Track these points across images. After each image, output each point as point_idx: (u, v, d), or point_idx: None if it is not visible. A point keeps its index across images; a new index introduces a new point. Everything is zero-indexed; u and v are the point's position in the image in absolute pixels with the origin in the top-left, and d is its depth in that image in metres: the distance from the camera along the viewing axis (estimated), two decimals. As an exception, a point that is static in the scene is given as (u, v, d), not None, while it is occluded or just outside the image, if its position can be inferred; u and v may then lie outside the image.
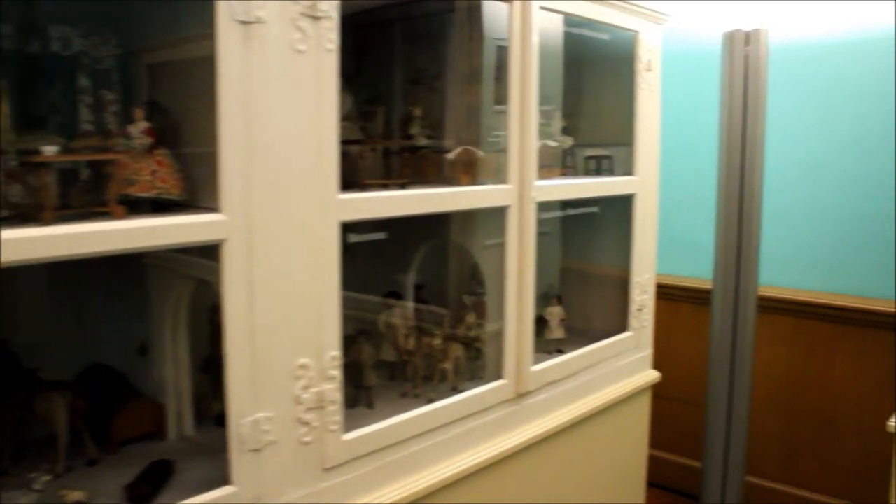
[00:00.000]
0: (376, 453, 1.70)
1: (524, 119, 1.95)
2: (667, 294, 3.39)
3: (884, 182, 2.95)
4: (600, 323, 2.58)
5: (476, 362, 2.11)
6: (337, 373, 1.57)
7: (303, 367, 1.50)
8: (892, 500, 2.17)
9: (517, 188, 1.96)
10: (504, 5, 1.92)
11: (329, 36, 1.48)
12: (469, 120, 2.10)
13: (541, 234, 2.70)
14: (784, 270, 3.19)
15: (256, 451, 1.44)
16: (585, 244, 2.67)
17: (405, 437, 1.77)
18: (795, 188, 3.15)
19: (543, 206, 2.42)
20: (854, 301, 3.01)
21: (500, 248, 2.00)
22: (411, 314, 2.17)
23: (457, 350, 2.01)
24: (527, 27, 1.92)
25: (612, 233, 2.56)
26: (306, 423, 1.52)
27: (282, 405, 1.48)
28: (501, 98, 2.35)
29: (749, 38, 2.63)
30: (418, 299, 2.26)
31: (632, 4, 2.31)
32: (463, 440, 1.91)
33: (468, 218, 2.05)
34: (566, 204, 2.58)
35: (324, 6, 1.46)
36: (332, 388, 1.56)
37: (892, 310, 2.89)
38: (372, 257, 2.37)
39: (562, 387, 2.23)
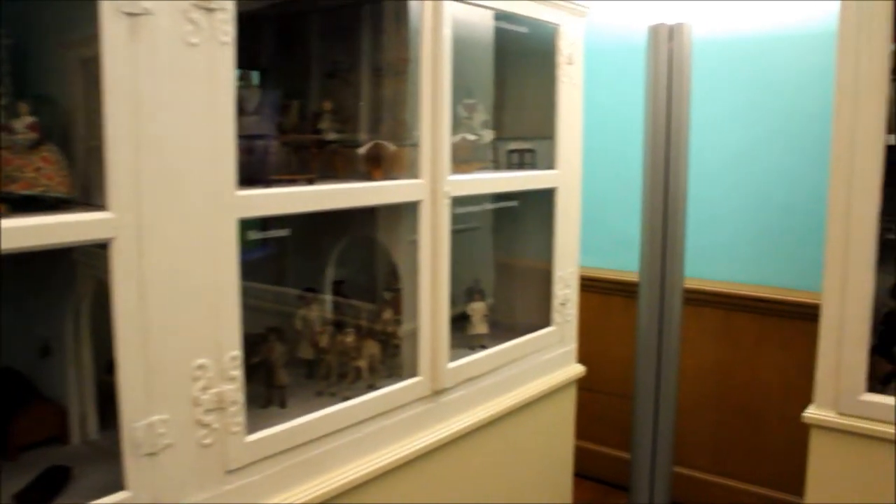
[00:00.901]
0: (285, 453, 1.67)
1: (436, 113, 1.92)
2: (599, 287, 3.41)
3: (807, 175, 2.99)
4: (527, 318, 2.57)
5: (395, 359, 2.09)
6: (238, 373, 1.54)
7: (201, 367, 1.47)
8: (808, 489, 2.20)
9: (429, 183, 1.94)
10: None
11: (224, 28, 1.44)
12: (389, 114, 2.07)
13: (470, 229, 2.70)
14: (712, 263, 3.22)
15: (152, 454, 1.40)
16: (515, 238, 2.66)
17: (316, 436, 1.74)
18: (722, 182, 3.17)
19: (471, 201, 2.43)
20: (780, 293, 3.05)
21: (419, 243, 1.99)
22: (328, 310, 2.14)
23: (372, 347, 1.99)
24: (438, 19, 1.90)
25: (539, 227, 2.55)
26: (206, 425, 1.49)
27: (179, 407, 1.44)
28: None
29: (673, 32, 2.64)
30: (338, 295, 2.24)
31: (552, -2, 2.31)
32: (377, 438, 1.89)
33: (392, 213, 2.02)
34: (498, 197, 2.58)
35: (218, -3, 1.42)
36: (233, 389, 1.53)
37: (816, 301, 2.92)
38: (295, 253, 2.34)
39: (482, 383, 2.22)
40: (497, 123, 2.51)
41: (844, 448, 2.12)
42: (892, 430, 2.02)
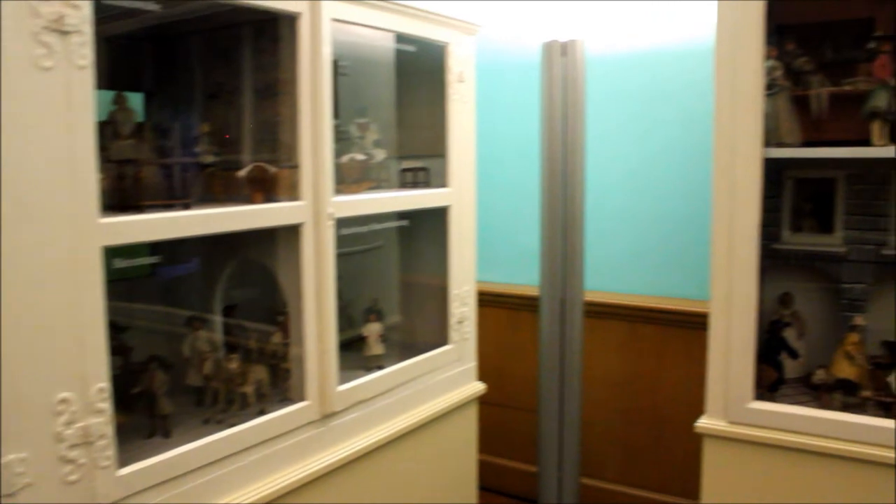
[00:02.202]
0: (164, 484, 1.63)
1: (316, 133, 1.91)
2: (508, 303, 3.43)
3: (702, 186, 3.03)
4: (426, 337, 2.56)
5: (286, 384, 2.05)
6: (106, 405, 1.49)
7: (64, 401, 1.42)
8: (704, 497, 2.23)
9: (311, 205, 1.92)
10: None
11: (81, 52, 1.40)
12: (270, 135, 2.04)
13: (374, 248, 2.69)
14: (615, 276, 3.26)
15: (10, 495, 1.35)
16: (418, 257, 2.66)
17: (198, 465, 1.70)
18: (621, 195, 3.22)
19: (373, 220, 2.41)
20: (682, 304, 3.10)
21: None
22: (218, 336, 2.10)
23: (259, 372, 1.95)
24: (317, 39, 1.88)
25: (437, 245, 2.54)
26: (71, 461, 1.44)
27: (40, 444, 1.39)
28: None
29: (566, 48, 2.67)
30: (230, 319, 2.19)
31: (439, 16, 2.31)
32: (264, 465, 1.85)
33: (277, 236, 1.99)
34: (402, 216, 2.57)
35: (72, 20, 1.38)
36: (101, 422, 1.48)
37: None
38: (190, 277, 2.29)
39: (376, 404, 2.20)
40: (389, 142, 2.51)
41: (736, 456, 2.15)
42: (780, 437, 2.06)
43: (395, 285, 2.69)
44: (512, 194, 3.42)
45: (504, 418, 3.44)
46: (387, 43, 2.50)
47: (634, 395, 3.24)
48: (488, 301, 3.37)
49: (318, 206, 1.93)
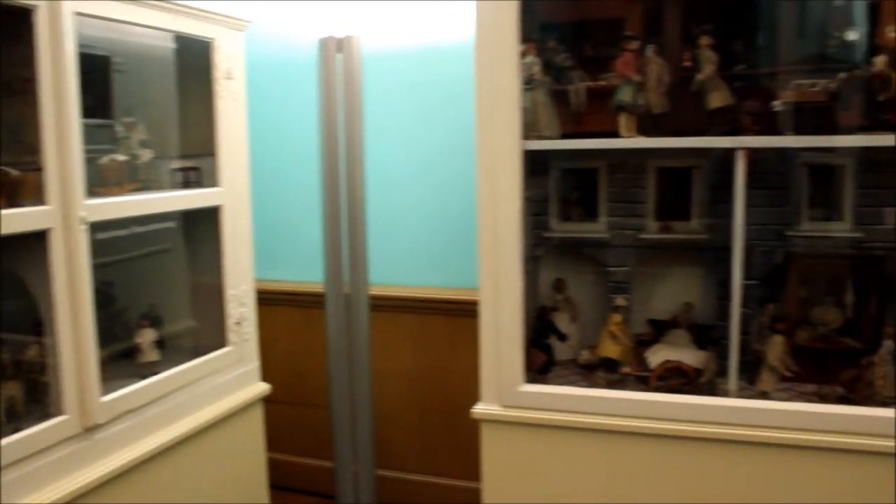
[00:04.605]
0: None
1: (62, 133, 1.80)
2: (300, 301, 3.39)
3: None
4: (209, 339, 2.49)
5: (46, 398, 1.94)
6: None
7: None
8: (484, 482, 2.29)
9: (59, 209, 1.82)
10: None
11: None
12: (12, 136, 1.91)
13: (162, 251, 2.59)
14: (402, 270, 3.29)
15: None
16: (205, 258, 2.58)
17: (-62, 493, 1.58)
18: (405, 190, 3.25)
19: (146, 222, 2.33)
20: (467, 294, 3.17)
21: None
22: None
23: (10, 389, 1.84)
24: (58, 34, 1.78)
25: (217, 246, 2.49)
26: None
27: None
28: (92, 110, 2.20)
29: (342, 44, 2.67)
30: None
31: (202, 11, 2.25)
32: (21, 485, 1.75)
33: (26, 242, 1.86)
34: (186, 217, 2.49)
35: None
36: None
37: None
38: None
39: (148, 412, 2.12)
40: (174, 142, 2.44)
41: (512, 438, 2.23)
42: (550, 417, 2.16)
43: (183, 289, 2.61)
44: (297, 191, 3.38)
45: (301, 417, 3.42)
46: (166, 42, 2.42)
47: (428, 385, 3.29)
48: (279, 300, 3.34)
49: (68, 210, 1.83)
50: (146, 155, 2.30)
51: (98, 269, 2.01)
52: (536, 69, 2.25)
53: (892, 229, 2.18)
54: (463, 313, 3.18)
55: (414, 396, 3.32)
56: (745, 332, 2.16)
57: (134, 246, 2.48)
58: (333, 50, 2.67)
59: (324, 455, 3.45)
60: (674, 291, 2.53)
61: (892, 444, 1.88)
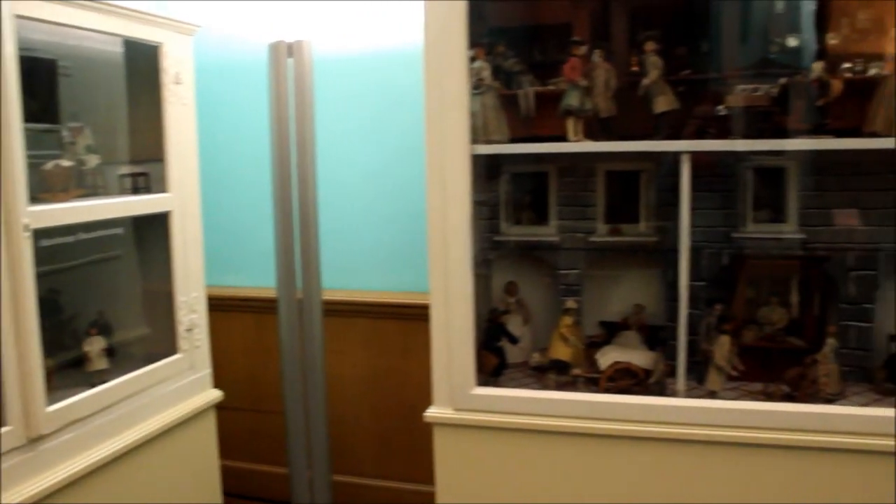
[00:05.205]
0: None
1: (3, 138, 1.77)
2: (252, 307, 3.37)
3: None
4: (160, 346, 2.47)
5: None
6: None
7: None
8: (438, 485, 2.29)
9: (1, 216, 1.79)
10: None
11: None
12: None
13: (112, 258, 2.56)
14: (356, 275, 3.29)
15: None
16: (157, 265, 2.55)
17: None
18: (358, 195, 3.24)
19: (91, 228, 2.30)
20: (420, 298, 3.17)
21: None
22: None
23: (-47, 400, 1.81)
24: (-4, 36, 1.76)
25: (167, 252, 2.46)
26: None
27: None
28: (37, 115, 2.17)
29: (293, 49, 2.66)
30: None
31: (149, 15, 2.23)
32: (-38, 500, 1.72)
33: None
34: (136, 223, 2.46)
35: None
36: None
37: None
38: None
39: (96, 421, 2.10)
40: (123, 147, 2.41)
41: (464, 441, 2.24)
42: (501, 419, 2.17)
43: (134, 296, 2.57)
44: (249, 196, 3.36)
45: (256, 423, 3.39)
46: (114, 46, 2.39)
47: (383, 390, 3.29)
48: (233, 306, 3.32)
49: (9, 217, 1.80)
50: (93, 160, 2.27)
51: (44, 277, 1.99)
52: (486, 73, 2.26)
53: (835, 231, 2.23)
54: (416, 317, 3.17)
55: (369, 401, 3.32)
56: (693, 332, 2.20)
57: (82, 253, 2.45)
58: (284, 54, 2.65)
59: (279, 461, 3.43)
60: (625, 293, 2.55)
61: (837, 439, 1.93)
